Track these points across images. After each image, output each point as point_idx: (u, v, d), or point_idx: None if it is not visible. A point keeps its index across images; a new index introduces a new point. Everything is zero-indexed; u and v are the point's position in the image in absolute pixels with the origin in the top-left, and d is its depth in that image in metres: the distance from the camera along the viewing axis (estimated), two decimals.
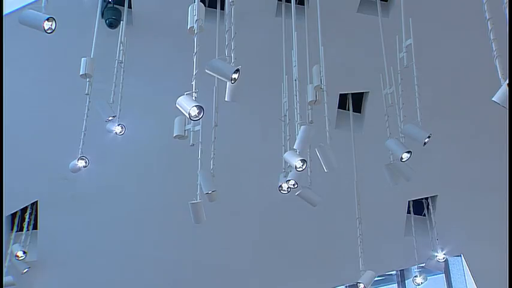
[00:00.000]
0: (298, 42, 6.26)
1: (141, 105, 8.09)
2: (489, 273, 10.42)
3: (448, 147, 9.13)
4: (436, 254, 9.52)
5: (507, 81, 3.67)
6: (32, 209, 9.53)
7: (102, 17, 7.30)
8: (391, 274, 12.88)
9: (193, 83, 4.68)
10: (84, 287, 10.27)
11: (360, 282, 7.09)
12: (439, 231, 9.80)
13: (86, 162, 6.56)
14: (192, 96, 4.59)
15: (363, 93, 8.90)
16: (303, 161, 5.62)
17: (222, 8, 7.31)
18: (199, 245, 10.08)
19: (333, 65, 6.47)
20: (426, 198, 10.38)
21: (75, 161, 6.54)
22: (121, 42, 6.81)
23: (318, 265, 10.70)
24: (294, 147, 5.69)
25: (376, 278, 8.25)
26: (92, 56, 6.46)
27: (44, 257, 9.74)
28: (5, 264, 9.11)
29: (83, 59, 6.32)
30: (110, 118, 6.43)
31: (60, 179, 8.79)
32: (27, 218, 9.48)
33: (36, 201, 9.40)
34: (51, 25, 5.01)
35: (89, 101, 6.51)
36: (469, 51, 7.86)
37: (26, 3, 6.62)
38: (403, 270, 12.68)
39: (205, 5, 6.07)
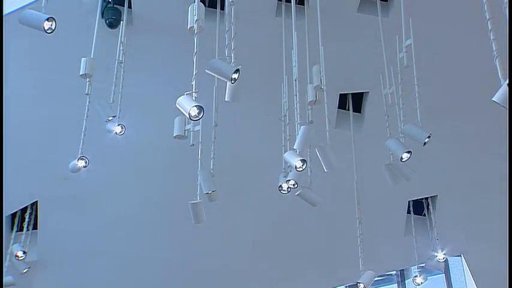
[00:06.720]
0: (298, 42, 6.26)
1: (141, 105, 8.09)
2: (489, 273, 10.42)
3: (448, 147, 9.12)
4: (436, 254, 9.52)
5: (507, 81, 3.66)
6: (32, 209, 9.52)
7: (102, 17, 7.29)
8: (391, 274, 12.91)
9: (193, 83, 4.68)
10: (84, 287, 10.28)
11: (360, 282, 7.10)
12: (439, 231, 9.80)
13: (86, 162, 6.55)
14: (192, 96, 4.59)
15: (363, 93, 8.90)
16: (303, 161, 5.61)
17: (222, 8, 7.31)
18: (199, 245, 10.08)
19: (333, 65, 6.47)
20: (426, 198, 10.38)
21: (75, 161, 6.54)
22: (121, 42, 6.81)
23: (318, 265, 10.70)
24: (294, 147, 5.68)
25: (376, 278, 8.26)
26: (92, 56, 6.45)
27: (44, 257, 9.74)
28: (5, 264, 9.11)
29: (83, 59, 6.31)
30: (110, 118, 6.43)
31: (60, 179, 8.79)
32: (27, 218, 9.48)
33: (36, 201, 9.39)
34: (51, 25, 5.01)
35: (89, 101, 6.51)
36: (469, 51, 7.85)
37: (26, 3, 6.60)
38: (403, 270, 12.71)
39: (205, 5, 6.08)
